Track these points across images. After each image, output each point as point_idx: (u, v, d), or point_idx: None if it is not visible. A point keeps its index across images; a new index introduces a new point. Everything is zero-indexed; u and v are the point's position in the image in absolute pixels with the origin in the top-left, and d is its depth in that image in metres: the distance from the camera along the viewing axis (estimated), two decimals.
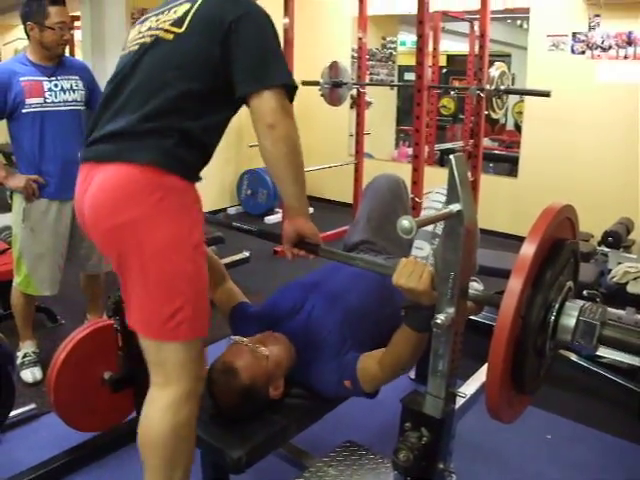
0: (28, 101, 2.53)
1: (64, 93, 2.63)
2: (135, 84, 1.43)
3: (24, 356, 2.80)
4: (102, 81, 2.93)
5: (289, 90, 1.45)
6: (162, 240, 1.37)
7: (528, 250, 1.10)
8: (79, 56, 5.59)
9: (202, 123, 1.43)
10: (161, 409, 1.44)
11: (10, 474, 2.05)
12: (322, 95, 4.86)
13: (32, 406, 2.48)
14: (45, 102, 2.57)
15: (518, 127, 6.70)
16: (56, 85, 2.60)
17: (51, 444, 2.23)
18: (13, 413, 2.25)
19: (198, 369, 1.48)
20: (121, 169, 1.37)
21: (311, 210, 1.86)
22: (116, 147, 1.39)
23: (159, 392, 1.46)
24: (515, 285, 1.08)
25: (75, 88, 2.67)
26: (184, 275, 1.40)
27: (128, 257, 1.39)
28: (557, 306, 1.18)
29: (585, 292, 2.80)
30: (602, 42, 4.62)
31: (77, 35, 5.32)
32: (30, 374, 2.75)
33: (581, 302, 1.20)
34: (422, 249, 1.74)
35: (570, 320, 1.17)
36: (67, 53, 4.16)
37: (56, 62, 2.63)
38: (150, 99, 1.39)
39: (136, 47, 1.49)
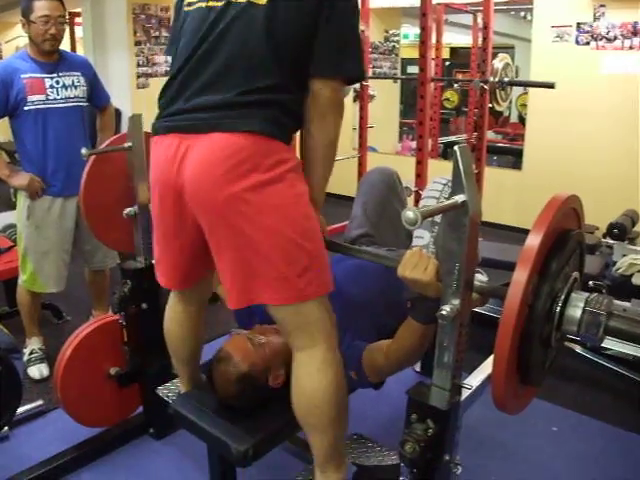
0: (30, 98, 2.53)
1: (66, 90, 2.62)
2: (227, 56, 1.37)
3: (31, 353, 2.81)
4: (103, 76, 2.95)
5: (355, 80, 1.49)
6: (280, 203, 1.36)
7: (534, 240, 1.09)
8: (80, 52, 5.59)
9: (295, 97, 1.42)
10: (317, 370, 1.44)
11: (19, 469, 2.07)
12: None
13: (39, 402, 2.49)
14: (47, 99, 2.57)
15: (522, 119, 6.68)
16: (57, 82, 2.60)
17: (59, 440, 2.25)
18: (21, 409, 2.27)
19: (333, 318, 1.49)
20: (225, 138, 1.34)
21: None
22: (214, 117, 1.36)
23: (307, 356, 1.46)
24: (521, 275, 1.07)
25: (77, 84, 2.66)
26: (306, 233, 1.40)
27: (243, 226, 1.36)
28: (563, 297, 1.17)
29: (591, 283, 2.79)
30: (607, 33, 4.58)
31: (78, 31, 5.33)
32: (37, 371, 2.76)
33: (587, 293, 1.20)
34: (422, 237, 1.74)
35: (576, 311, 1.16)
36: (68, 49, 4.15)
37: (56, 58, 2.62)
38: (247, 78, 1.36)
39: (221, 3, 1.39)
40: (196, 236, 1.47)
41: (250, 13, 1.36)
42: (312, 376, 1.45)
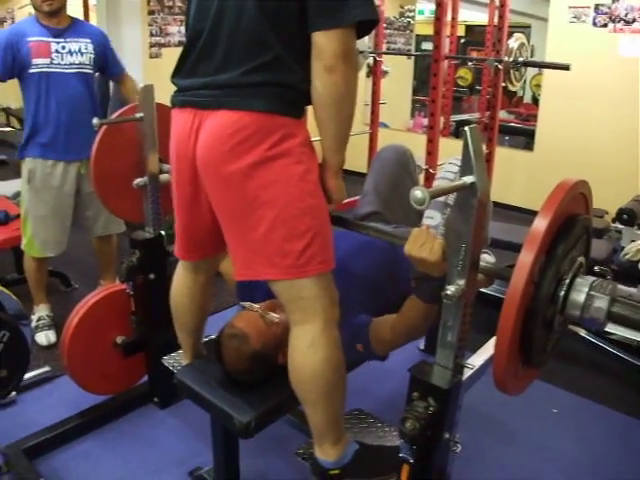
0: (35, 61, 2.53)
1: (71, 55, 2.60)
2: (229, 32, 1.35)
3: (38, 319, 2.84)
4: (116, 46, 2.92)
5: (365, 24, 1.32)
6: (283, 178, 1.36)
7: (541, 223, 1.09)
8: (93, 21, 5.55)
9: (300, 76, 1.37)
10: (307, 346, 1.45)
11: (25, 434, 2.10)
12: None
13: (46, 369, 2.53)
14: (52, 63, 2.56)
15: (535, 100, 6.60)
16: (63, 47, 2.59)
17: (65, 406, 2.28)
18: (28, 375, 2.29)
19: (332, 296, 1.47)
20: (230, 115, 1.35)
21: None
22: (222, 94, 1.37)
23: (300, 330, 1.47)
24: (527, 256, 1.07)
25: (84, 51, 2.64)
26: (309, 210, 1.39)
27: (246, 201, 1.38)
28: (567, 281, 1.17)
29: (597, 268, 2.78)
30: (626, 15, 4.50)
31: (92, 0, 5.28)
32: (44, 337, 2.79)
33: (592, 278, 1.19)
34: (432, 218, 1.74)
35: (580, 295, 1.16)
36: (82, 17, 4.08)
37: (65, 24, 2.62)
38: (249, 53, 1.34)
39: None
40: (210, 209, 1.49)
41: None
42: (302, 352, 1.46)
